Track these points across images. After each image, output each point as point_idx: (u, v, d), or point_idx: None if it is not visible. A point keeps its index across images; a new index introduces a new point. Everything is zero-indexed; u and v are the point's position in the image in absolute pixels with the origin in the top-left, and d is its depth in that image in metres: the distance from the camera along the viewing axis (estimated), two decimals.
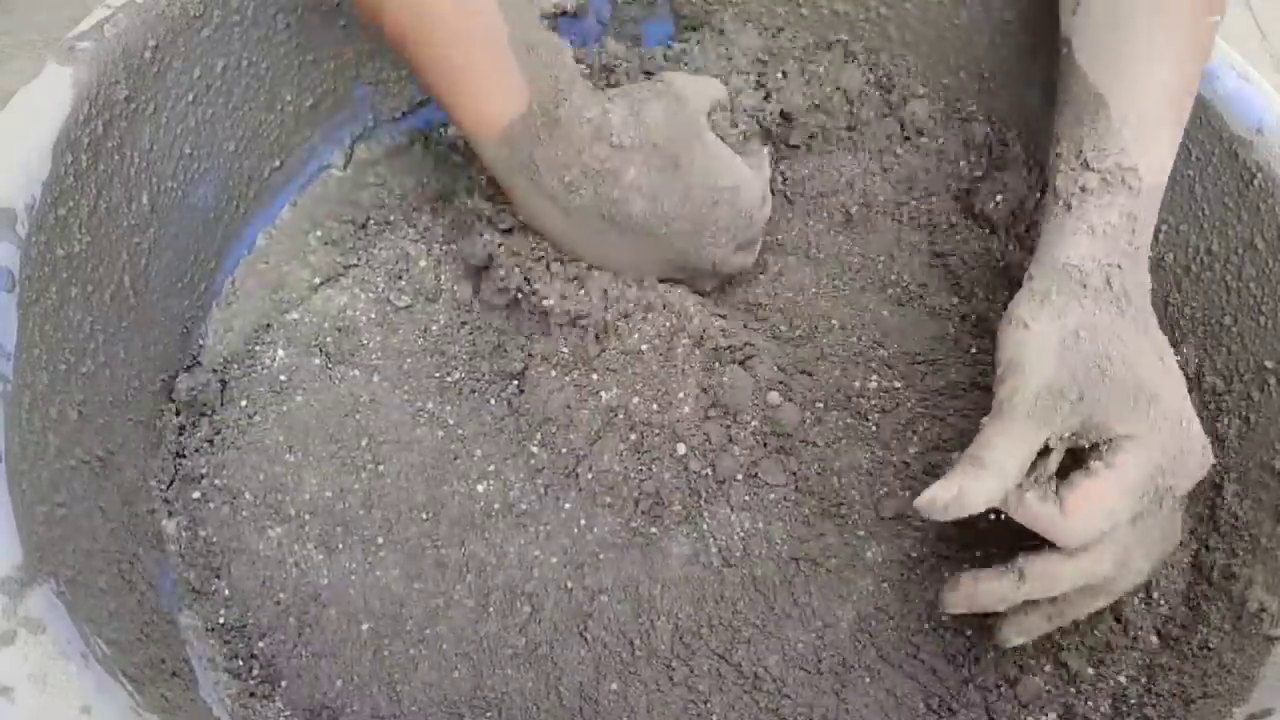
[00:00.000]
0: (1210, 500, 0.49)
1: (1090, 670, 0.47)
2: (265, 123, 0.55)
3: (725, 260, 0.52)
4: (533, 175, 0.47)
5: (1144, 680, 0.47)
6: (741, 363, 0.51)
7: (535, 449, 0.51)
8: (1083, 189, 0.45)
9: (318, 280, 0.57)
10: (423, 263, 0.57)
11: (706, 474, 0.50)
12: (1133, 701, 0.46)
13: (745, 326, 0.55)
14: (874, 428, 0.53)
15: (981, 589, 0.42)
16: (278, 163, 0.57)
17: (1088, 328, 0.41)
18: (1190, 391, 0.50)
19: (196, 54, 0.49)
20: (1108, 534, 0.40)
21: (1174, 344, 0.53)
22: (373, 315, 0.56)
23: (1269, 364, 0.48)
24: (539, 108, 0.46)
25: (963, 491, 0.38)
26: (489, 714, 0.45)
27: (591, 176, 0.47)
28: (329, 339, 0.55)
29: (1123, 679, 0.47)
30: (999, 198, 0.57)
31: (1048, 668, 0.47)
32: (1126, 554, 0.41)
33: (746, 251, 0.54)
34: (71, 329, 0.43)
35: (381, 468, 0.51)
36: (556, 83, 0.46)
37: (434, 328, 0.55)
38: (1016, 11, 0.56)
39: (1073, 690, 0.47)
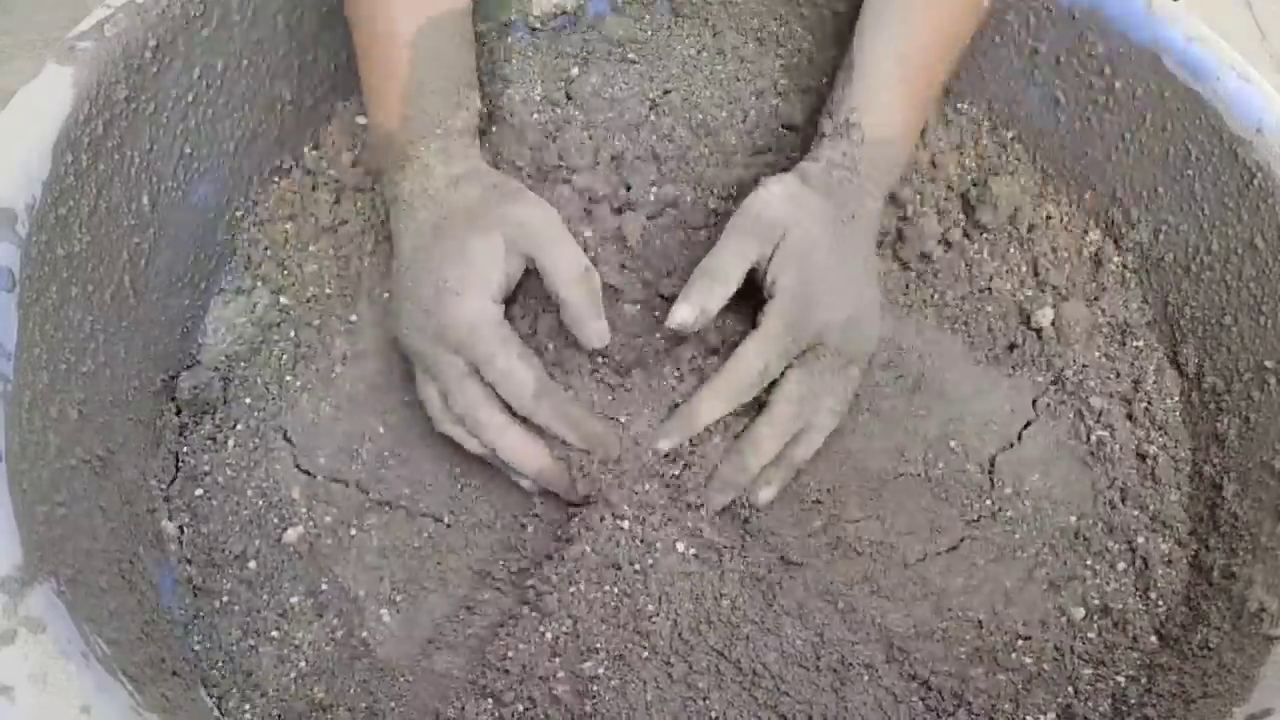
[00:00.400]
0: (1210, 500, 0.49)
1: (1090, 670, 0.47)
2: (265, 123, 0.55)
3: (422, 354, 0.50)
4: (383, 177, 0.53)
5: (1144, 680, 0.47)
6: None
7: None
8: (821, 134, 0.53)
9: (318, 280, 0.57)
10: None
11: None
12: (1133, 701, 0.46)
13: None
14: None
15: (722, 473, 0.49)
16: (278, 162, 0.57)
17: (796, 198, 0.50)
18: (1190, 391, 0.50)
19: (196, 54, 0.49)
20: (779, 388, 0.49)
21: (1174, 344, 0.53)
22: (372, 316, 0.55)
23: (1269, 364, 0.48)
24: (402, 135, 0.50)
25: (704, 302, 0.47)
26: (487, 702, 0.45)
27: (399, 205, 0.51)
28: (330, 339, 0.55)
29: (1122, 679, 0.47)
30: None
31: (1046, 667, 0.47)
32: (813, 399, 0.49)
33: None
34: (71, 329, 0.43)
35: (382, 468, 0.51)
36: (424, 127, 0.50)
37: None
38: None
39: (1072, 690, 0.47)
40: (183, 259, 0.52)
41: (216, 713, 0.43)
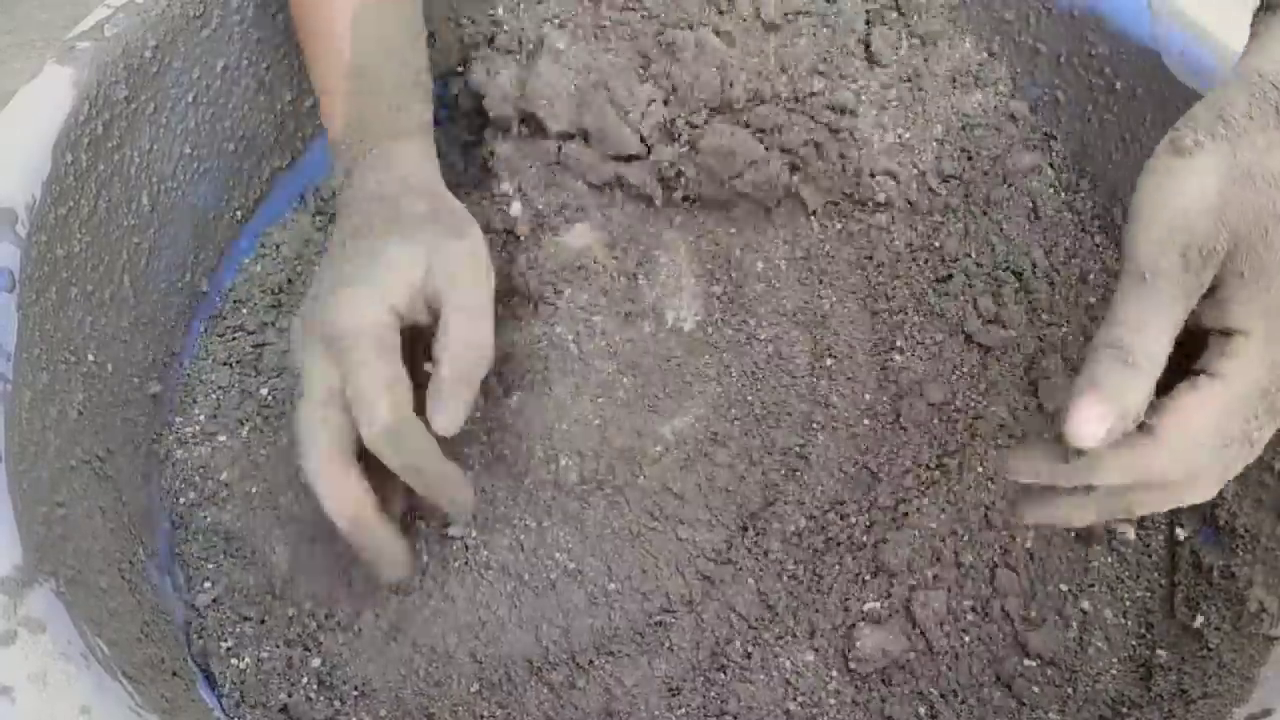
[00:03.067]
0: (1210, 500, 0.49)
1: (1090, 669, 0.47)
2: (265, 123, 0.55)
3: (300, 357, 0.44)
4: (339, 176, 0.47)
5: (1144, 680, 0.47)
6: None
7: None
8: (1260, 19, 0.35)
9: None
10: None
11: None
12: (1133, 701, 0.46)
13: None
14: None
15: (1027, 459, 0.35)
16: (278, 162, 0.57)
17: (1262, 168, 0.31)
18: None
19: (196, 54, 0.49)
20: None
21: None
22: None
23: None
24: (347, 135, 0.46)
25: (1123, 402, 0.31)
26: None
27: (344, 209, 0.45)
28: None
29: (1123, 679, 0.47)
30: None
31: (1049, 671, 0.47)
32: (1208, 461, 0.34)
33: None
34: (71, 329, 0.43)
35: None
36: (369, 127, 0.45)
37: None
38: None
39: (1072, 690, 0.47)
40: (183, 259, 0.52)
41: (217, 713, 0.43)
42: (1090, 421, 0.31)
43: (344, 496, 0.40)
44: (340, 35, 0.46)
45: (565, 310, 0.53)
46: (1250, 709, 0.39)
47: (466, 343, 0.41)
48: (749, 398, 0.52)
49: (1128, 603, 0.49)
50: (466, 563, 0.48)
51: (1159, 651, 0.47)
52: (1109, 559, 0.50)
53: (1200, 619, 0.46)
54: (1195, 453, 0.33)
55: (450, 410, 0.40)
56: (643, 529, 0.49)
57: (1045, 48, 0.55)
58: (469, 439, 0.50)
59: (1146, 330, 0.32)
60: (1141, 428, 0.33)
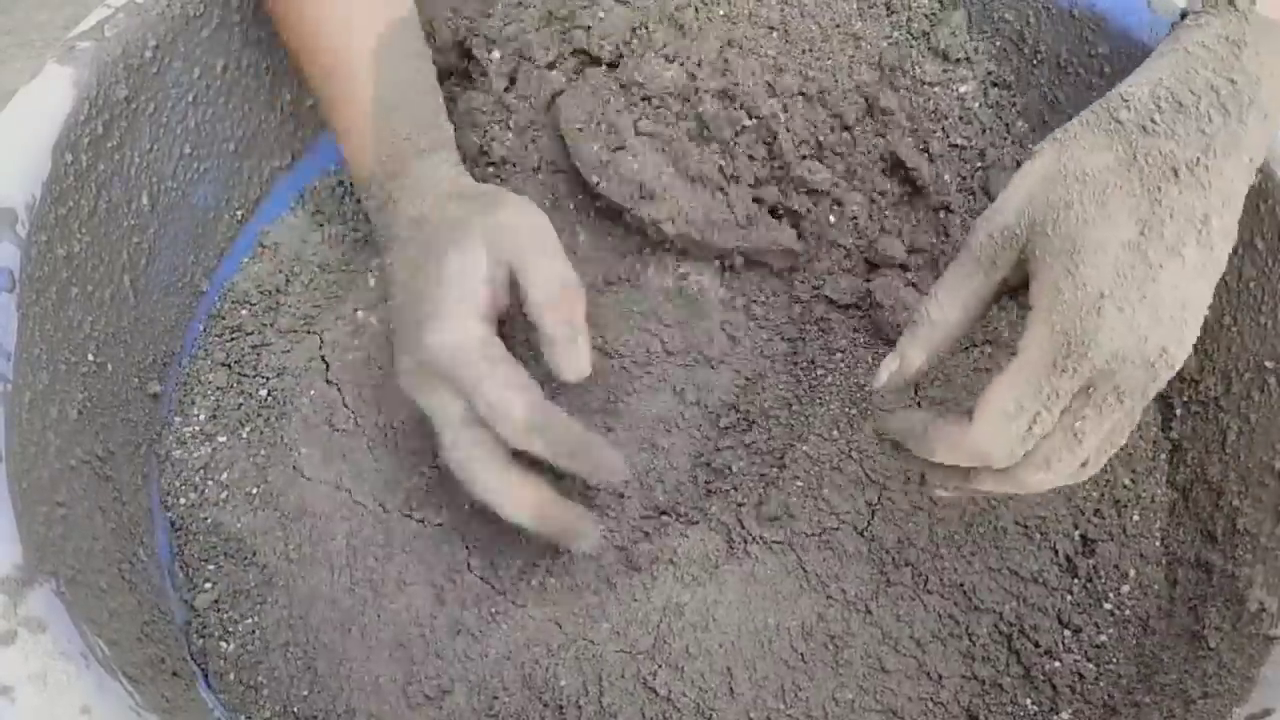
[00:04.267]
0: (1210, 500, 0.49)
1: (1090, 669, 0.47)
2: (265, 123, 0.55)
3: (416, 396, 0.44)
4: (372, 217, 0.49)
5: (1144, 680, 0.47)
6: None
7: None
8: (1182, 15, 0.39)
9: (319, 280, 0.57)
10: None
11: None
12: (1133, 701, 0.46)
13: None
14: None
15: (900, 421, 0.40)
16: (278, 162, 0.57)
17: (1076, 164, 0.35)
18: (1189, 392, 0.50)
19: (196, 54, 0.49)
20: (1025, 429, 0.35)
21: None
22: (375, 320, 0.55)
23: (1269, 364, 0.48)
24: (376, 168, 0.47)
25: (902, 353, 0.39)
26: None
27: (391, 237, 0.47)
28: (330, 339, 0.55)
29: (1123, 679, 0.47)
30: None
31: (1055, 677, 0.47)
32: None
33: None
34: (71, 329, 0.43)
35: (384, 467, 0.51)
36: (399, 151, 0.47)
37: None
38: None
39: (1071, 689, 0.47)
40: (183, 259, 0.52)
41: (217, 712, 0.43)
42: (881, 369, 0.39)
43: (520, 496, 0.43)
44: (360, 77, 0.46)
45: None
46: (1250, 709, 0.39)
47: (551, 289, 0.42)
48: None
49: (1128, 602, 0.49)
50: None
51: (1159, 651, 0.47)
52: (1109, 559, 0.50)
53: (1200, 619, 0.46)
54: (1004, 431, 0.35)
55: (572, 354, 0.42)
56: None
57: (1045, 48, 0.55)
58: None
59: (938, 296, 0.38)
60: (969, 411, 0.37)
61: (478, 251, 0.43)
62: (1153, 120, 0.35)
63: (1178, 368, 0.35)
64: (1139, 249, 0.34)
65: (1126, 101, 0.36)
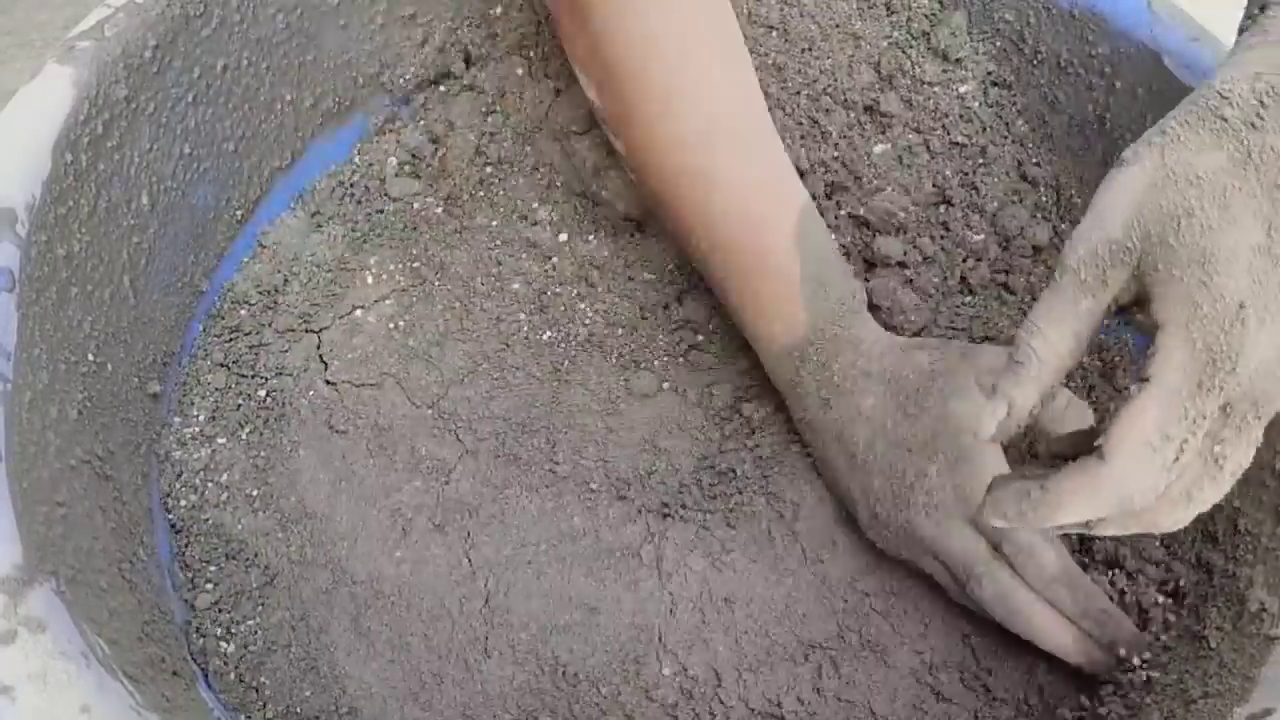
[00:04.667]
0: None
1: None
2: (265, 123, 0.55)
3: (933, 539, 0.45)
4: (798, 388, 0.49)
5: (1144, 680, 0.46)
6: None
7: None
8: (1261, 7, 0.37)
9: (319, 281, 0.57)
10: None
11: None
12: (1133, 701, 0.46)
13: None
14: None
15: (1002, 494, 0.35)
16: (277, 163, 0.57)
17: (1185, 168, 0.33)
18: None
19: (196, 54, 0.49)
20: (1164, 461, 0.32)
21: None
22: (373, 319, 0.55)
23: None
24: (814, 336, 0.48)
25: (1009, 397, 0.33)
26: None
27: (837, 395, 0.48)
28: (328, 339, 0.55)
29: (1122, 679, 0.47)
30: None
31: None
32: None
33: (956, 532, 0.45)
34: (71, 329, 0.43)
35: (384, 467, 0.51)
36: (835, 316, 0.48)
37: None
38: None
39: (1070, 689, 0.47)
40: (182, 259, 0.52)
41: (217, 712, 0.43)
42: (984, 419, 0.34)
43: (1060, 630, 0.45)
44: (785, 251, 0.47)
45: None
46: (1250, 709, 0.39)
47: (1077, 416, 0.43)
48: None
49: (1127, 602, 0.49)
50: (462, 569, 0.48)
51: (1160, 651, 0.47)
52: (1108, 559, 0.50)
53: (1201, 619, 0.46)
54: (1149, 464, 0.32)
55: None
56: None
57: (1045, 48, 0.55)
58: None
59: (1041, 328, 0.33)
60: (1094, 450, 0.33)
61: (963, 400, 0.44)
62: (1259, 116, 0.33)
63: None
64: (1270, 253, 0.31)
65: (1227, 98, 0.33)
